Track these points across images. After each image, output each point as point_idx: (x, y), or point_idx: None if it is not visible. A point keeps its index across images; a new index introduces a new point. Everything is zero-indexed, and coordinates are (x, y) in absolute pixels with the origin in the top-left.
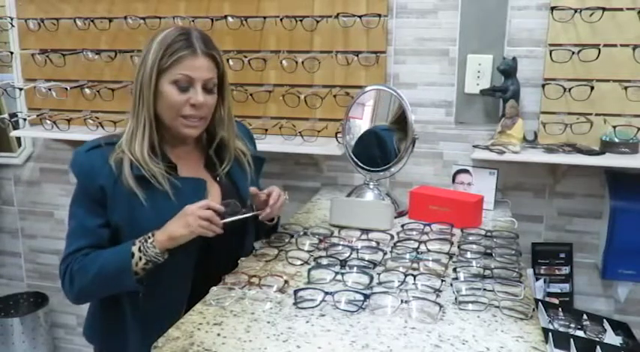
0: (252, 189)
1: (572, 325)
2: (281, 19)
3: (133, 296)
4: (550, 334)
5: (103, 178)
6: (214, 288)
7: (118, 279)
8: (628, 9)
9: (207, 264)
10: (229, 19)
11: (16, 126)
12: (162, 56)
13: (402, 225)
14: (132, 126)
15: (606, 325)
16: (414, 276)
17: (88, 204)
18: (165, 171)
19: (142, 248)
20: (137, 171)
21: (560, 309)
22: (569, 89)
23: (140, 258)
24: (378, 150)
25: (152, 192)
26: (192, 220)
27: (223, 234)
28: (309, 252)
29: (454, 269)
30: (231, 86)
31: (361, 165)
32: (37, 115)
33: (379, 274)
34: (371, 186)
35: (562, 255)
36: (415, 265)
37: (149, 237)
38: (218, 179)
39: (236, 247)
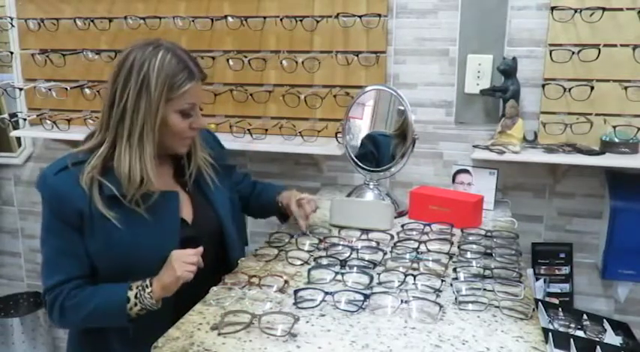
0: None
1: (572, 325)
2: (281, 19)
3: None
4: (550, 334)
5: (77, 201)
6: (214, 288)
7: (111, 320)
8: (628, 9)
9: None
10: (229, 19)
11: (16, 126)
12: (171, 88)
13: (402, 225)
14: (125, 148)
15: (606, 325)
16: (414, 276)
17: (64, 231)
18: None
19: (138, 295)
20: (109, 191)
21: (560, 309)
22: (569, 89)
23: (135, 304)
24: (376, 153)
25: (125, 212)
26: (178, 266)
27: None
28: (309, 252)
29: (454, 269)
30: (230, 86)
31: (361, 165)
32: (37, 115)
33: (379, 274)
34: (371, 186)
35: (562, 255)
36: (415, 265)
37: (147, 286)
38: (187, 189)
39: (219, 266)
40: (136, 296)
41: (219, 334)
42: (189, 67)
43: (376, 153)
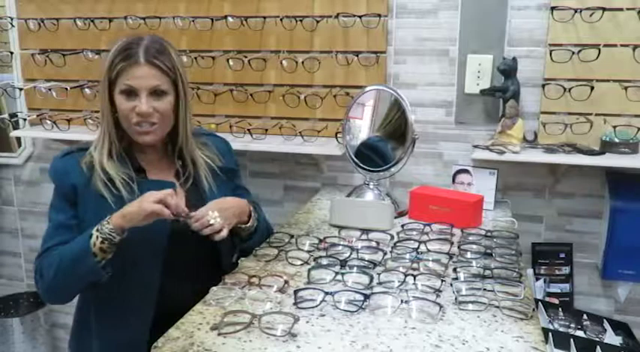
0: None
1: (572, 325)
2: (281, 19)
3: (99, 311)
4: (550, 334)
5: (75, 178)
6: (214, 288)
7: (79, 262)
8: (628, 9)
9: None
10: (229, 19)
11: (16, 126)
12: (109, 68)
13: (402, 225)
14: (98, 134)
15: (606, 325)
16: (414, 276)
17: (62, 203)
18: (136, 174)
19: (99, 228)
20: (106, 174)
21: (560, 309)
22: (569, 89)
23: (97, 237)
24: (376, 153)
25: (122, 197)
26: (143, 198)
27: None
28: (309, 252)
29: (454, 269)
30: (230, 86)
31: (361, 165)
32: (37, 115)
33: (379, 274)
34: (371, 186)
35: (562, 255)
36: (415, 265)
37: (106, 220)
38: (185, 187)
39: (209, 270)
40: (97, 230)
41: (219, 334)
42: (131, 49)
43: (375, 154)
